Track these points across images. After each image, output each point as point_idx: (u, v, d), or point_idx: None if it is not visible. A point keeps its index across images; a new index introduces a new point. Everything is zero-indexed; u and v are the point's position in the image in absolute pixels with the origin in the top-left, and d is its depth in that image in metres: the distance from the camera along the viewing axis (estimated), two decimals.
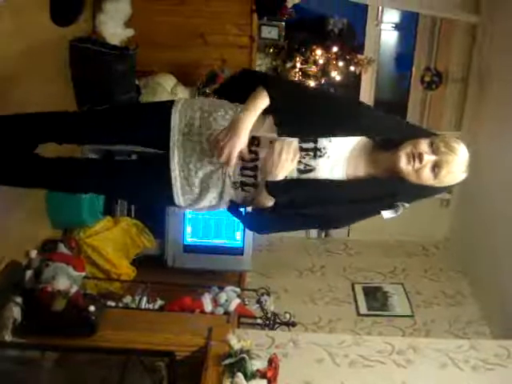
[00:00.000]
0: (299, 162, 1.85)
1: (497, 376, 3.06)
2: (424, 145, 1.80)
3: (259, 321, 3.61)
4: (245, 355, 2.62)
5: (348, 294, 4.43)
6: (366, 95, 5.05)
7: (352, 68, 4.45)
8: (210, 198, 1.98)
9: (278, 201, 1.86)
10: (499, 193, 4.21)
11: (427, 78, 4.77)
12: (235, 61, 4.15)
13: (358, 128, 1.88)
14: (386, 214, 1.90)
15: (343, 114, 1.88)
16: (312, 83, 4.47)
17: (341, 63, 4.38)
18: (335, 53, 4.39)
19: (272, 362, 2.72)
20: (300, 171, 1.87)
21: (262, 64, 4.43)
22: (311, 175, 1.87)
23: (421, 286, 4.54)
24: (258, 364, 2.66)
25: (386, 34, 5.38)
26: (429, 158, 1.78)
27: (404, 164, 1.80)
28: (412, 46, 5.01)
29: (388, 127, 1.92)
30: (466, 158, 1.83)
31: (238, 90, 2.04)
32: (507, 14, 4.30)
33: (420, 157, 1.78)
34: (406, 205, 1.89)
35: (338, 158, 1.87)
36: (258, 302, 3.73)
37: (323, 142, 1.85)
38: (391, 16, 5.45)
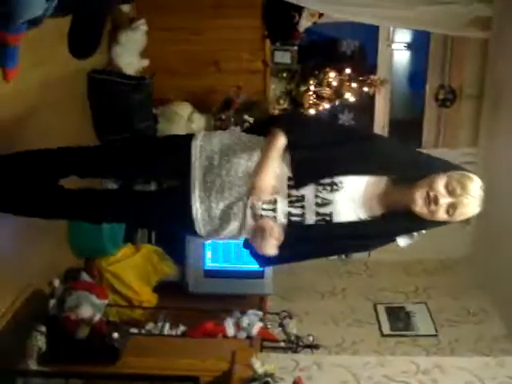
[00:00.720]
0: (316, 196, 1.89)
1: None
2: (440, 186, 1.81)
3: (282, 344, 3.60)
4: (269, 379, 2.63)
5: (370, 315, 4.39)
6: (381, 115, 5.07)
7: (366, 89, 4.48)
8: (231, 228, 2.00)
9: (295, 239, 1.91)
10: None
11: (441, 96, 4.78)
12: (250, 86, 4.21)
13: (373, 168, 1.91)
14: (402, 241, 1.94)
15: (358, 154, 1.91)
16: (327, 105, 4.51)
17: (354, 84, 4.41)
18: (348, 74, 4.43)
19: None
20: (318, 205, 1.90)
21: (276, 88, 4.48)
22: (329, 209, 1.90)
23: (444, 305, 4.49)
24: None
25: (399, 54, 5.40)
26: (445, 201, 1.80)
27: (419, 207, 1.82)
28: (425, 64, 5.03)
29: (404, 163, 1.94)
30: (481, 195, 1.84)
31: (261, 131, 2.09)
32: None
33: (436, 200, 1.80)
34: (423, 231, 1.93)
35: (355, 191, 1.90)
36: (281, 325, 3.72)
37: (339, 177, 1.88)
38: (403, 35, 5.48)
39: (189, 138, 2.06)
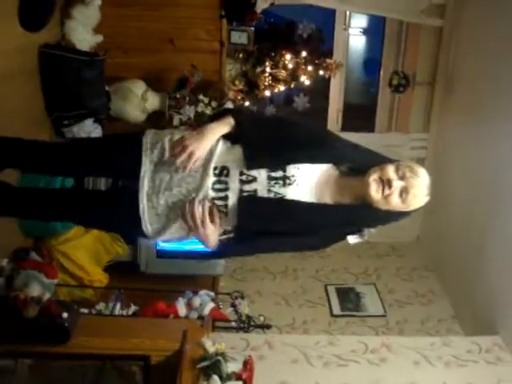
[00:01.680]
0: (269, 190, 1.89)
1: (469, 371, 3.13)
2: (391, 171, 1.86)
3: (234, 324, 3.62)
4: (220, 358, 2.63)
5: (321, 296, 4.46)
6: (336, 99, 5.11)
7: (321, 72, 4.49)
8: (178, 226, 1.98)
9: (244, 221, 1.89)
10: (467, 193, 4.29)
11: (395, 82, 4.84)
12: (205, 66, 4.17)
13: (326, 156, 1.93)
14: (352, 239, 1.96)
15: (310, 142, 1.93)
16: (282, 88, 4.51)
17: (310, 68, 4.42)
18: (304, 57, 4.43)
19: (247, 364, 2.73)
20: None
21: (231, 69, 4.45)
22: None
23: (393, 286, 4.60)
24: (233, 366, 2.67)
25: (354, 39, 5.45)
26: (397, 184, 1.85)
27: (374, 191, 1.85)
28: (380, 50, 5.08)
29: (353, 155, 1.98)
30: (429, 181, 1.90)
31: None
32: (472, 17, 4.40)
33: (389, 183, 1.84)
34: (372, 230, 1.96)
35: (307, 185, 1.92)
36: (233, 305, 3.74)
37: (291, 170, 1.89)
38: (359, 21, 5.53)
39: (138, 135, 2.04)
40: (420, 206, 1.93)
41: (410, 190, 1.85)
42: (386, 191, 1.84)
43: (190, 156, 1.86)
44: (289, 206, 1.90)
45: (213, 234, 1.88)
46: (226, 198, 1.90)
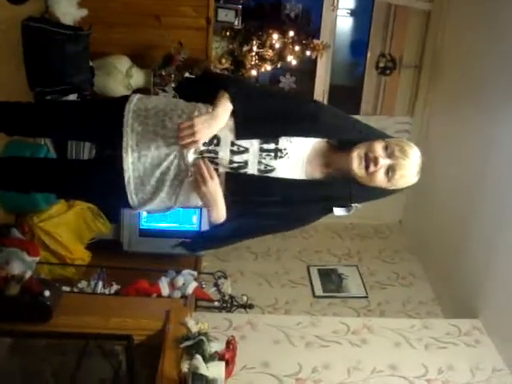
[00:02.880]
0: (259, 162, 1.87)
1: (449, 353, 3.17)
2: (379, 148, 1.83)
3: (216, 304, 3.63)
4: (203, 337, 2.64)
5: (303, 277, 4.48)
6: (322, 80, 5.08)
7: (308, 53, 4.46)
8: (164, 196, 1.95)
9: (235, 192, 1.86)
10: (449, 177, 4.31)
11: (382, 64, 4.83)
12: (191, 43, 4.11)
13: (316, 129, 1.90)
14: (338, 211, 1.93)
15: (302, 115, 1.89)
16: (268, 67, 4.48)
17: (297, 48, 4.39)
18: (291, 37, 4.39)
19: (230, 344, 2.75)
20: (260, 171, 1.88)
21: (218, 47, 4.39)
22: (271, 175, 1.89)
23: (374, 268, 4.64)
24: (216, 346, 2.69)
25: (342, 20, 5.40)
26: (384, 162, 1.82)
27: (356, 166, 1.83)
28: (367, 32, 5.05)
29: (345, 128, 1.94)
30: (419, 161, 1.88)
31: (198, 89, 2.05)
32: (459, 2, 4.38)
33: (375, 160, 1.81)
34: (358, 206, 1.93)
35: (298, 158, 1.89)
36: (215, 285, 3.75)
37: (284, 143, 1.86)
38: (347, 1, 5.47)
39: (123, 101, 1.99)
40: (408, 185, 1.91)
41: (396, 169, 1.82)
42: (372, 168, 1.81)
43: (194, 141, 1.79)
44: (274, 183, 1.88)
45: (219, 191, 1.83)
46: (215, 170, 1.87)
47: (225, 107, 1.83)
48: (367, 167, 1.81)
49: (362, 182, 1.86)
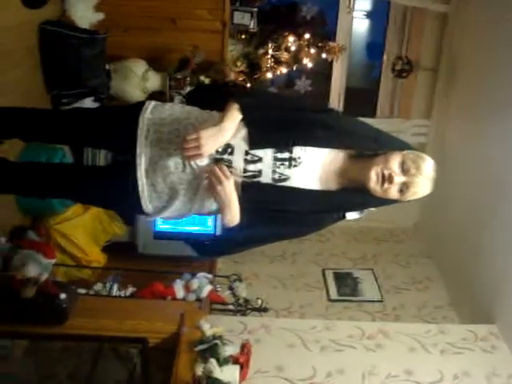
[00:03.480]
0: (274, 171, 1.86)
1: (465, 359, 3.14)
2: (395, 164, 1.83)
3: (231, 307, 3.63)
4: (217, 341, 2.65)
5: (319, 280, 4.46)
6: (338, 83, 5.07)
7: (324, 55, 4.46)
8: (179, 204, 1.95)
9: (250, 201, 1.85)
10: (466, 180, 4.28)
11: (398, 67, 4.80)
12: (207, 46, 4.12)
13: (330, 139, 1.88)
14: (351, 215, 1.95)
15: (316, 124, 1.88)
16: (284, 70, 4.48)
17: (313, 50, 4.38)
18: (307, 40, 4.39)
19: (244, 348, 2.75)
20: (275, 180, 1.87)
21: (233, 50, 4.40)
22: (286, 184, 1.88)
23: (390, 272, 4.61)
24: (230, 350, 2.69)
25: (358, 22, 5.39)
26: (398, 180, 1.82)
27: (373, 184, 1.83)
28: (383, 34, 5.03)
29: (360, 138, 1.93)
30: (433, 175, 1.87)
31: (210, 97, 2.05)
32: (477, 4, 4.35)
33: (390, 179, 1.81)
34: (373, 209, 1.95)
35: (312, 167, 1.89)
36: (230, 288, 3.74)
37: (298, 152, 1.86)
38: (363, 4, 5.46)
39: (138, 109, 1.98)
40: (419, 197, 1.90)
41: (410, 186, 1.83)
42: (386, 185, 1.82)
43: (199, 153, 1.78)
44: (288, 193, 1.87)
45: (234, 191, 1.82)
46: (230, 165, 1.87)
47: (233, 119, 1.82)
48: (382, 184, 1.82)
49: (376, 195, 1.87)
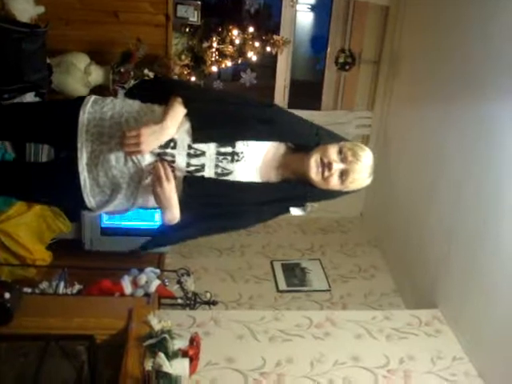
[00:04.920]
0: (216, 165, 1.88)
1: (410, 343, 3.23)
2: (333, 153, 1.88)
3: (180, 301, 3.62)
4: (166, 335, 2.64)
5: (267, 272, 4.50)
6: (282, 76, 5.11)
7: (268, 48, 4.48)
8: (122, 198, 1.95)
9: (192, 195, 1.88)
10: (408, 169, 4.39)
11: (341, 59, 4.87)
12: (151, 40, 4.08)
13: (272, 133, 1.93)
14: (294, 211, 1.99)
15: (258, 119, 1.91)
16: (229, 63, 4.48)
17: (257, 44, 4.40)
18: (251, 33, 4.40)
19: (193, 341, 2.75)
20: (217, 174, 1.90)
21: (178, 43, 4.37)
22: (229, 178, 1.90)
23: (337, 262, 4.69)
24: (179, 343, 2.68)
25: (302, 15, 5.44)
26: (337, 167, 1.88)
27: (314, 173, 1.88)
28: (327, 27, 5.09)
29: (301, 132, 1.98)
30: (371, 164, 1.93)
31: (152, 92, 2.04)
32: None
33: (329, 166, 1.87)
34: (315, 205, 2.00)
35: (254, 161, 1.92)
36: (179, 282, 3.73)
37: (241, 147, 1.88)
38: None
39: (78, 104, 1.97)
40: (361, 187, 1.97)
41: (350, 173, 1.88)
42: (326, 173, 1.87)
43: (139, 150, 1.79)
44: (230, 186, 1.90)
45: (174, 194, 1.84)
46: (172, 171, 1.87)
47: (175, 115, 1.83)
48: (323, 173, 1.87)
49: (317, 186, 1.91)
